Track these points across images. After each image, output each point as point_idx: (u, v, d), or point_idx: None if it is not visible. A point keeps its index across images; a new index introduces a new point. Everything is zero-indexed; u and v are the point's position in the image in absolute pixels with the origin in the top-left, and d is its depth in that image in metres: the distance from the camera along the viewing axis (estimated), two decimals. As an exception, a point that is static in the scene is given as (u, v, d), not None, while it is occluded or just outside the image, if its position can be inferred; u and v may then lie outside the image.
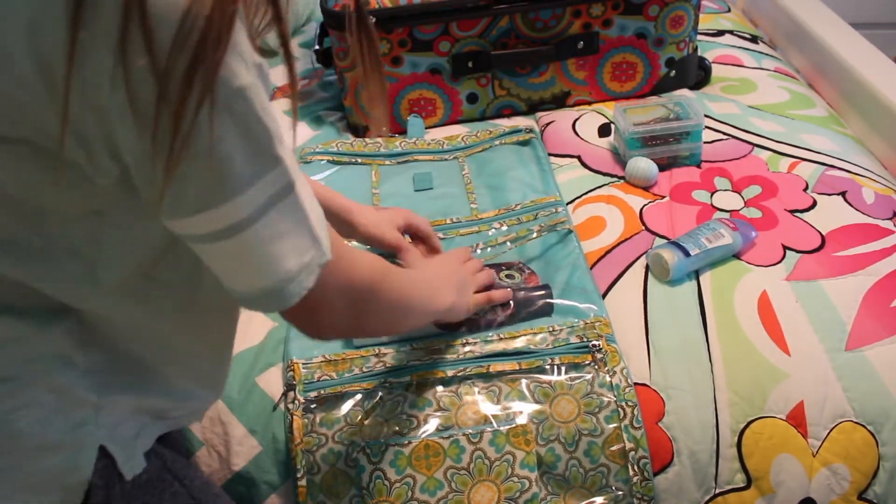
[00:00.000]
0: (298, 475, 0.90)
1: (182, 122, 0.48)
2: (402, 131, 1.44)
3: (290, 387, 0.94)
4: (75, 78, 0.47)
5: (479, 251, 1.14)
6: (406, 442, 0.90)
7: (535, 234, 1.14)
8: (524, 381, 0.94)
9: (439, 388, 0.94)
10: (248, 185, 0.53)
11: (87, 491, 0.62)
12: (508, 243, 1.14)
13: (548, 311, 1.02)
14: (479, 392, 0.93)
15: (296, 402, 0.92)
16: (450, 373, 0.94)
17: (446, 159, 1.35)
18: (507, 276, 1.08)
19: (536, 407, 0.93)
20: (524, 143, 1.37)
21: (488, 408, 0.92)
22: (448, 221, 1.19)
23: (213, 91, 0.48)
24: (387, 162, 1.34)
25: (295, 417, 0.91)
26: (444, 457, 0.90)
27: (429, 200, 1.24)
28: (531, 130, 1.38)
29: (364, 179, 1.29)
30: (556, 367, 0.94)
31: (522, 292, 1.03)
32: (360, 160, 1.33)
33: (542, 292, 1.03)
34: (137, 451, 0.67)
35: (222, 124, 0.50)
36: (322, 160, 1.33)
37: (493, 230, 1.17)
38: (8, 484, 0.60)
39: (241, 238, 0.55)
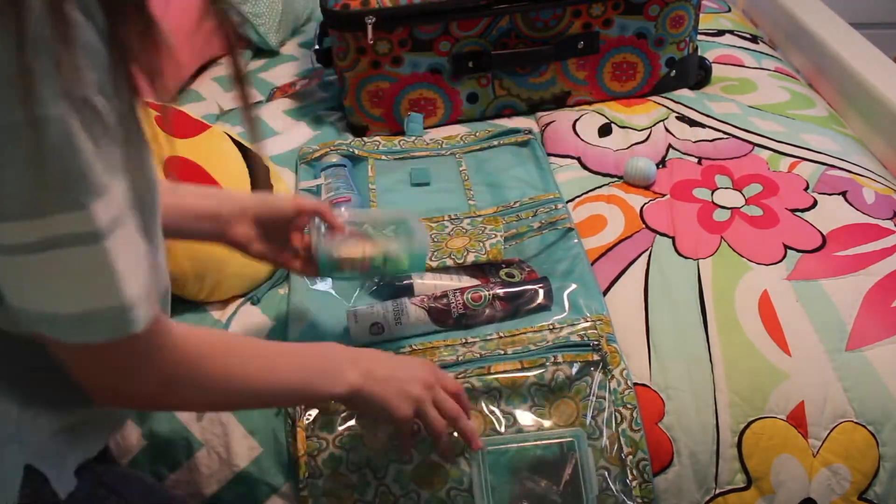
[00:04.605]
0: (301, 485, 0.89)
1: None
2: (402, 131, 1.44)
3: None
4: None
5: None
6: (407, 458, 0.90)
7: (534, 231, 1.14)
8: (524, 385, 0.93)
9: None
10: (29, 216, 0.51)
11: None
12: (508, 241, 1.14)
13: (546, 304, 1.02)
14: (479, 398, 0.93)
15: (296, 408, 0.92)
16: (450, 375, 0.94)
17: (443, 154, 1.35)
18: (506, 274, 1.07)
19: (536, 410, 0.92)
20: (523, 144, 1.37)
21: (488, 415, 0.92)
22: (446, 218, 1.18)
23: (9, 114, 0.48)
24: (383, 157, 1.34)
25: (298, 428, 0.91)
26: (447, 477, 0.90)
27: (426, 195, 1.24)
28: (529, 131, 1.38)
29: (360, 174, 1.29)
30: (556, 366, 0.94)
31: (520, 286, 1.03)
32: (356, 152, 1.33)
33: (540, 286, 1.03)
34: (67, 468, 0.67)
35: (13, 149, 0.49)
36: (319, 155, 1.32)
37: (491, 227, 1.17)
38: None
39: (24, 261, 0.53)
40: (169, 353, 0.63)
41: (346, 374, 0.77)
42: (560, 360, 0.94)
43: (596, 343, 0.95)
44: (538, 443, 0.90)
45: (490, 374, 0.93)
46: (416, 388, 0.81)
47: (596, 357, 0.94)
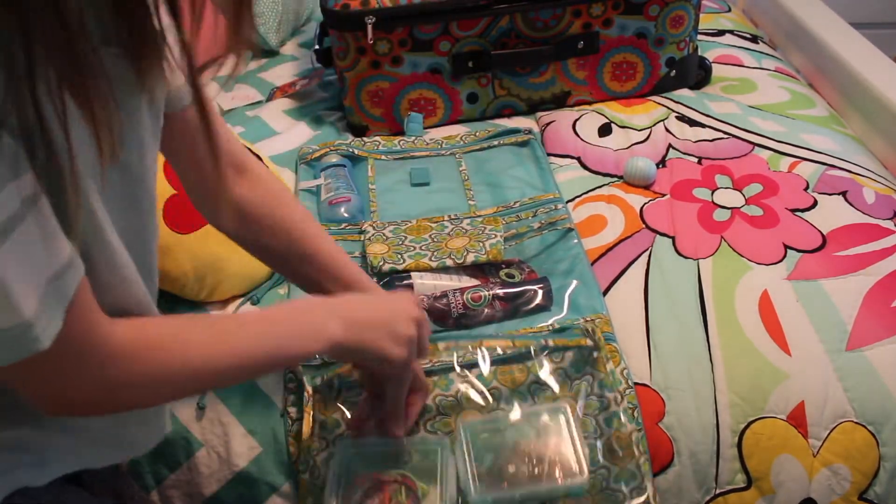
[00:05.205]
0: (302, 469, 0.89)
1: None
2: (402, 131, 1.44)
3: (289, 390, 0.94)
4: None
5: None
6: (401, 451, 0.90)
7: (534, 231, 1.14)
8: (524, 384, 0.94)
9: (438, 391, 0.93)
10: None
11: None
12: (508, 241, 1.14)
13: (546, 304, 1.02)
14: (478, 395, 0.93)
15: (303, 399, 0.92)
16: (441, 346, 0.95)
17: (443, 154, 1.35)
18: (506, 274, 1.07)
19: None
20: (523, 144, 1.37)
21: (488, 415, 0.92)
22: (446, 218, 1.18)
23: None
24: (383, 157, 1.34)
25: (306, 415, 0.91)
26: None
27: (426, 195, 1.24)
28: (529, 131, 1.38)
29: (359, 174, 1.29)
30: (556, 366, 0.94)
31: (520, 287, 1.03)
32: (356, 152, 1.33)
33: (540, 286, 1.03)
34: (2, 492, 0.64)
35: None
36: (319, 155, 1.32)
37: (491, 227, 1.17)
38: None
39: None
40: (101, 355, 0.58)
41: (324, 329, 0.72)
42: (551, 343, 0.94)
43: (588, 329, 0.95)
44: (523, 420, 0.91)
45: (482, 346, 0.95)
46: (408, 328, 0.76)
47: (589, 342, 0.94)
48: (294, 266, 0.87)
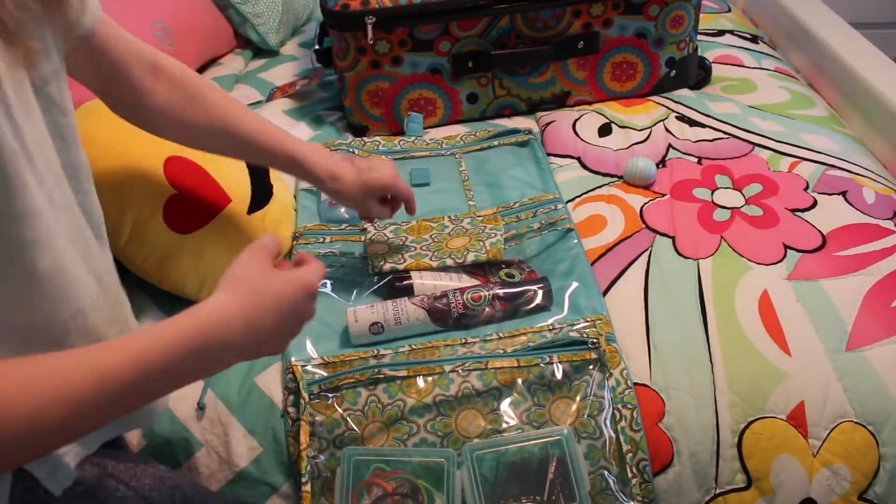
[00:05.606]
0: (303, 479, 0.89)
1: None
2: (402, 131, 1.44)
3: (290, 391, 0.94)
4: None
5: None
6: (407, 458, 0.90)
7: (534, 232, 1.14)
8: (524, 384, 0.94)
9: (438, 391, 0.93)
10: None
11: None
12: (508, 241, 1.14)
13: (546, 304, 1.02)
14: (478, 396, 0.93)
15: (300, 403, 0.92)
16: (448, 367, 0.94)
17: (443, 154, 1.35)
18: (506, 274, 1.07)
19: (536, 410, 0.92)
20: (522, 145, 1.37)
21: (488, 414, 0.92)
22: (446, 218, 1.18)
23: None
24: (383, 157, 1.34)
25: (302, 423, 0.91)
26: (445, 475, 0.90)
27: (426, 196, 1.24)
28: (529, 132, 1.38)
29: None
30: (555, 366, 0.94)
31: (520, 287, 1.03)
32: (356, 152, 1.33)
33: (540, 286, 1.03)
34: (62, 464, 0.64)
35: None
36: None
37: (491, 226, 1.17)
38: None
39: None
40: None
41: (219, 365, 0.64)
42: (558, 359, 0.94)
43: (594, 341, 0.95)
44: (527, 444, 0.90)
45: (487, 368, 0.94)
46: (305, 317, 0.70)
47: (594, 355, 0.94)
48: (234, 149, 0.96)
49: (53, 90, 0.63)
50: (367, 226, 1.15)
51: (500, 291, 1.02)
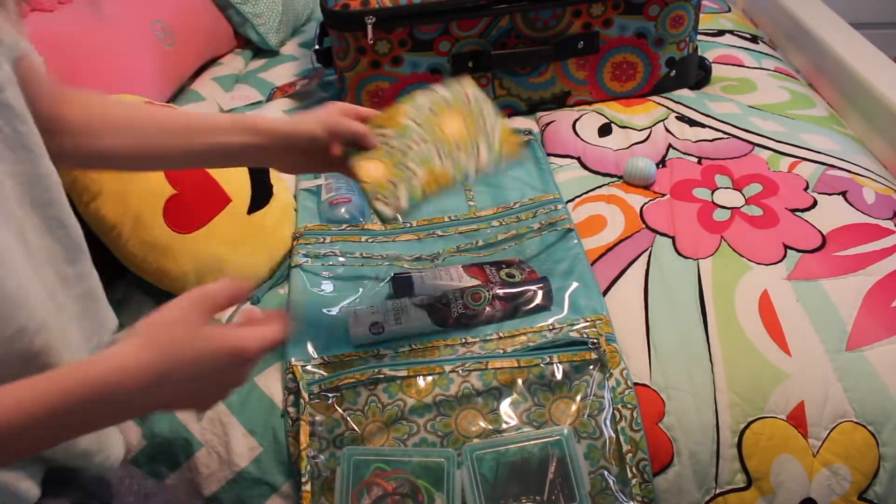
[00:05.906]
0: (303, 479, 0.89)
1: None
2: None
3: (290, 391, 0.94)
4: None
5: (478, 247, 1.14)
6: (407, 458, 0.90)
7: (534, 232, 1.14)
8: (524, 384, 0.94)
9: (438, 391, 0.93)
10: None
11: None
12: (508, 242, 1.14)
13: (546, 304, 1.02)
14: (478, 396, 0.93)
15: (300, 404, 0.92)
16: (448, 367, 0.94)
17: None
18: (506, 274, 1.07)
19: (536, 410, 0.92)
20: (522, 145, 1.37)
21: (488, 414, 0.92)
22: (446, 219, 1.18)
23: None
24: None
25: (302, 423, 0.91)
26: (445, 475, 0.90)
27: (426, 197, 1.24)
28: (529, 132, 1.38)
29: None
30: (555, 366, 0.94)
31: (520, 287, 1.03)
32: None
33: (540, 286, 1.03)
34: (20, 479, 0.61)
35: None
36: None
37: (492, 228, 1.17)
38: None
39: None
40: None
41: (128, 413, 0.62)
42: (558, 359, 0.94)
43: (594, 341, 0.95)
44: (527, 444, 0.90)
45: (487, 369, 0.93)
46: (226, 391, 0.66)
47: (594, 355, 0.94)
48: (181, 149, 0.83)
49: (11, 97, 0.60)
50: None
51: (500, 291, 1.02)
